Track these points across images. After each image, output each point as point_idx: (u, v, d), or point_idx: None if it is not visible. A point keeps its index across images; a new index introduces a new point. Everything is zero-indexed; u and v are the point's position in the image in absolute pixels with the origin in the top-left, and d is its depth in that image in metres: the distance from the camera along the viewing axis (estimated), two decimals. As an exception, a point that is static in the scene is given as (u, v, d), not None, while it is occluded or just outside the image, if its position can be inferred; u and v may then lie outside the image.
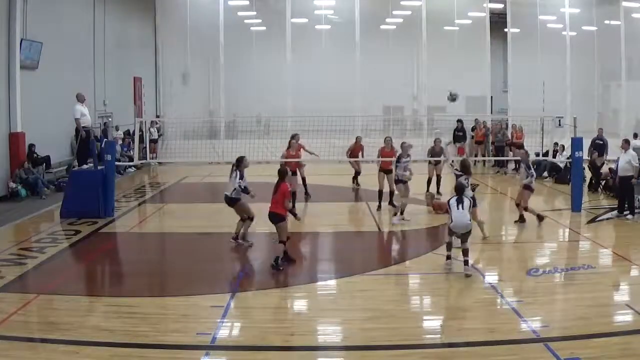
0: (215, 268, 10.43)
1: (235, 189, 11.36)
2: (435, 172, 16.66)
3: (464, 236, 9.77)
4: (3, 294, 8.74)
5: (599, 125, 25.39)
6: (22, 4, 16.82)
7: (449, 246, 9.96)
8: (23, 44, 16.89)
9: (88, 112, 17.30)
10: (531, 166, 13.40)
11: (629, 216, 13.75)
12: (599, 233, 12.52)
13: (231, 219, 14.66)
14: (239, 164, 11.49)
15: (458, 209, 9.75)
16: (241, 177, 11.41)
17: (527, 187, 12.99)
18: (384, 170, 14.76)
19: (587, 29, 27.08)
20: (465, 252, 9.70)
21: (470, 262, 9.74)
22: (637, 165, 13.89)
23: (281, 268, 9.91)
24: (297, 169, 15.38)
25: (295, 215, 10.88)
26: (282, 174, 10.37)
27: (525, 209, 13.07)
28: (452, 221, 9.78)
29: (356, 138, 17.87)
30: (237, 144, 20.29)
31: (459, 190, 10.15)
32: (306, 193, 16.29)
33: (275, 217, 10.07)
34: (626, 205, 13.91)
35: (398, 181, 13.51)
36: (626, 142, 14.51)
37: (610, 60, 26.95)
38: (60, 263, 10.73)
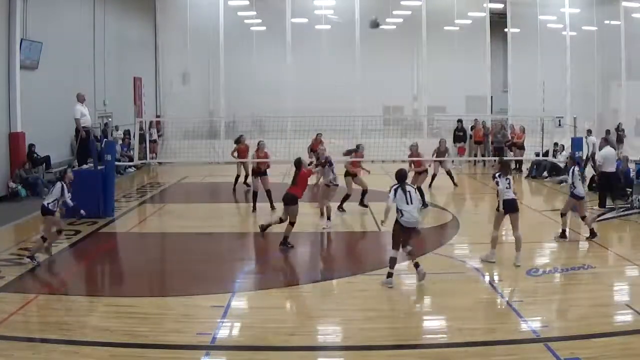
0: (215, 268, 10.42)
1: (55, 200, 10.27)
2: (440, 170, 17.67)
3: (409, 235, 9.07)
4: (3, 294, 8.74)
5: (599, 125, 25.40)
6: (22, 4, 16.81)
7: (393, 262, 8.96)
8: (23, 44, 16.88)
9: (88, 112, 17.33)
10: (571, 173, 11.90)
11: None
12: (599, 233, 12.48)
13: (231, 219, 14.75)
14: (63, 176, 10.67)
15: (408, 203, 8.89)
16: (64, 190, 10.34)
17: (573, 196, 11.84)
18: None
19: (587, 29, 27.09)
20: (411, 254, 9.19)
21: (473, 263, 9.72)
22: (595, 164, 14.52)
23: (290, 245, 11.10)
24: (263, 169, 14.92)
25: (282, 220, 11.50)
26: (298, 164, 11.50)
27: (583, 218, 12.03)
28: (402, 215, 8.90)
29: (316, 135, 19.33)
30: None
31: (401, 177, 9.15)
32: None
33: (292, 199, 11.19)
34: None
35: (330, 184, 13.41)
36: (604, 141, 15.58)
37: (610, 60, 26.94)
38: (60, 263, 10.72)
